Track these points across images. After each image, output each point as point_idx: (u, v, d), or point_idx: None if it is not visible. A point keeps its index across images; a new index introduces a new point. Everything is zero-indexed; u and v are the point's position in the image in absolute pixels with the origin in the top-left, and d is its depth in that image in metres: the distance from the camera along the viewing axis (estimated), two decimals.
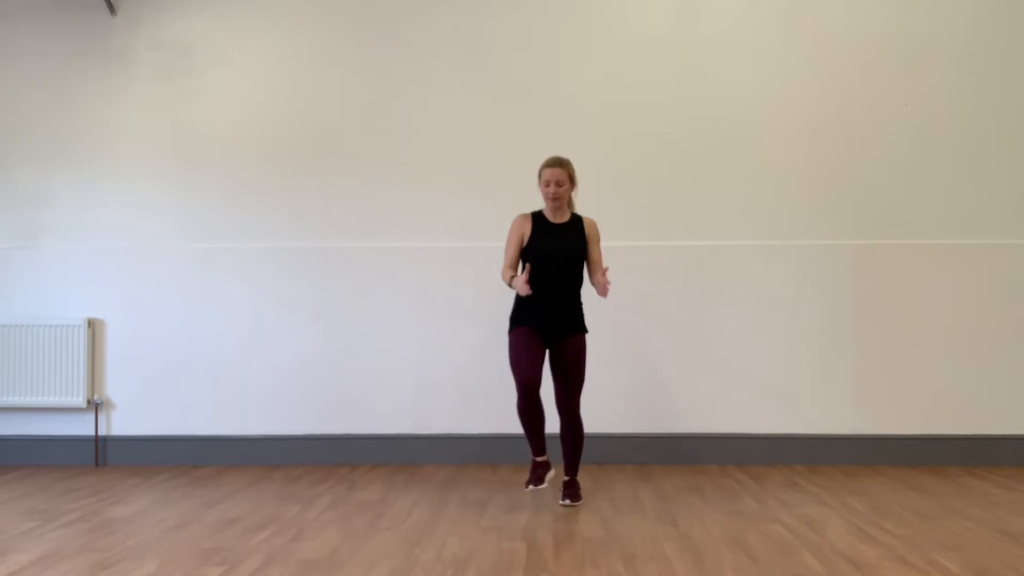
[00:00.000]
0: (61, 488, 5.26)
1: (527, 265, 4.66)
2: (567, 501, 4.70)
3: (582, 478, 4.98)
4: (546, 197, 4.75)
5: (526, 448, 4.81)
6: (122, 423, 6.01)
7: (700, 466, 5.77)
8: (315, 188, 6.04)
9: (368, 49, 6.07)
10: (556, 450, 4.80)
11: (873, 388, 5.86)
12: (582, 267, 4.80)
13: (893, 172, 5.94)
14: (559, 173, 4.70)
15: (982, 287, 5.88)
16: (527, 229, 4.76)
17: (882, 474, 5.53)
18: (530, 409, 4.63)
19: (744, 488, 5.14)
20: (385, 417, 5.95)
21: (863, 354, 5.88)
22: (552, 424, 4.76)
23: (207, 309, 6.01)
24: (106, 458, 6.01)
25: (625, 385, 5.87)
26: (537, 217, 4.80)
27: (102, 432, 6.02)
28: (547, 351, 4.74)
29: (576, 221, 4.82)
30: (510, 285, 4.67)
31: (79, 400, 5.96)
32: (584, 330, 4.77)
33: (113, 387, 6.03)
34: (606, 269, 4.69)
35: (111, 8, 6.08)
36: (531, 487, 4.70)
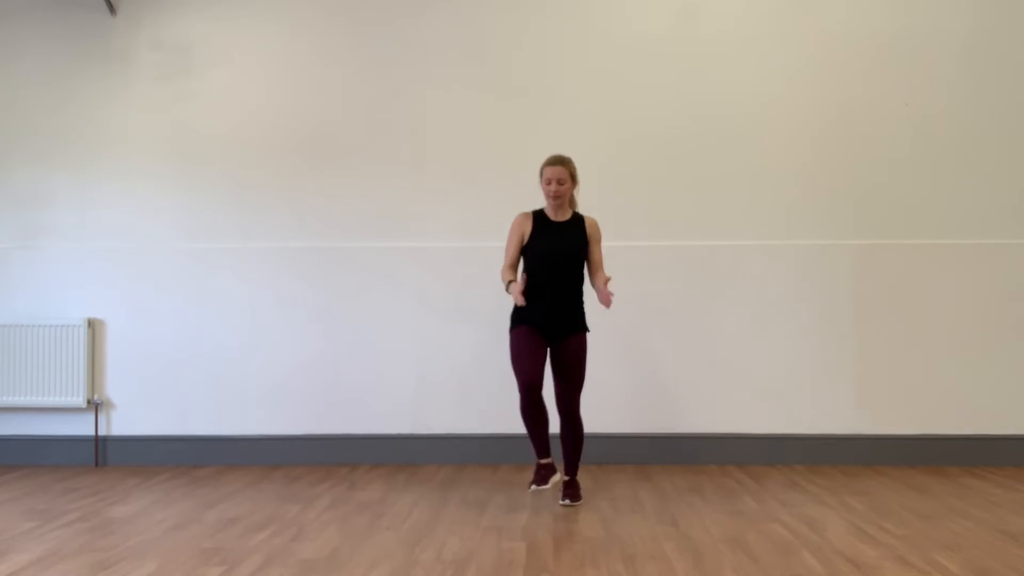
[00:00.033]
0: (61, 488, 5.26)
1: (523, 275, 4.67)
2: (567, 501, 4.70)
3: (582, 478, 4.98)
4: (547, 195, 4.75)
5: (530, 449, 4.80)
6: (122, 423, 6.02)
7: (700, 466, 5.77)
8: (315, 188, 6.04)
9: (368, 49, 6.07)
10: (556, 450, 4.80)
11: (873, 388, 5.87)
12: (583, 266, 4.80)
13: (893, 172, 5.94)
14: (560, 171, 4.70)
15: (982, 287, 5.88)
16: (527, 228, 4.76)
17: (882, 474, 5.53)
18: (532, 409, 4.64)
19: (744, 488, 5.14)
20: (385, 417, 5.95)
21: (863, 354, 5.88)
22: (552, 423, 4.76)
23: (207, 309, 6.01)
24: (106, 458, 6.01)
25: (625, 385, 5.87)
26: (538, 215, 4.80)
27: (102, 432, 6.02)
28: (548, 349, 4.74)
29: (577, 220, 4.82)
30: (507, 290, 4.68)
31: (79, 400, 5.96)
32: (585, 329, 4.77)
33: (113, 387, 6.03)
34: (608, 279, 4.69)
35: (111, 8, 6.08)
36: (533, 487, 4.69)
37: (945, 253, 5.90)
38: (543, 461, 4.72)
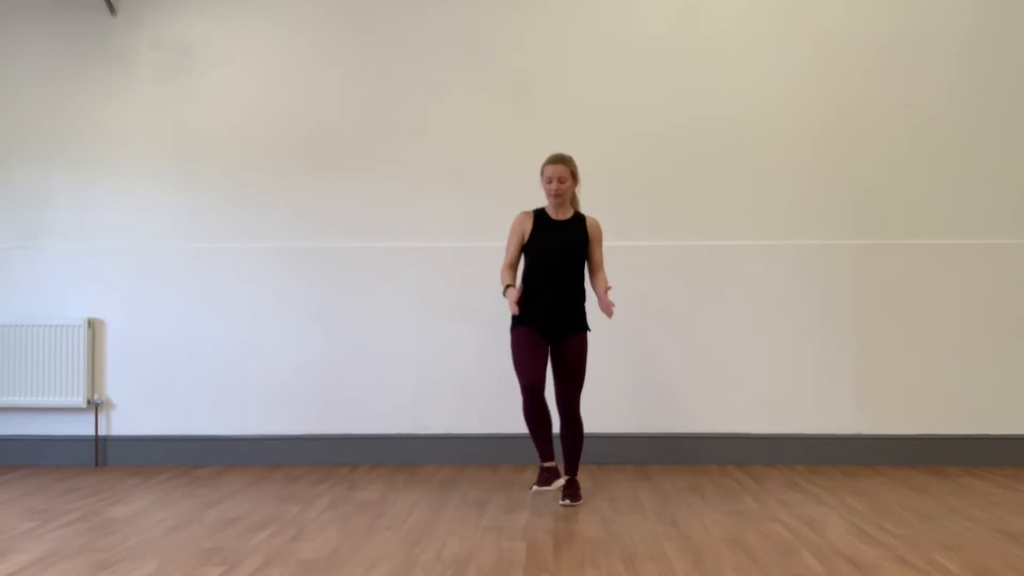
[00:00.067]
0: (61, 488, 5.26)
1: (520, 285, 4.68)
2: (567, 501, 4.70)
3: (582, 478, 4.98)
4: (548, 194, 4.75)
5: (532, 450, 4.78)
6: (122, 423, 6.02)
7: (700, 466, 5.77)
8: (315, 188, 6.04)
9: (368, 49, 6.07)
10: (556, 449, 4.79)
11: (873, 388, 5.86)
12: (583, 265, 4.80)
13: (893, 172, 5.94)
14: (561, 169, 4.70)
15: (982, 287, 5.88)
16: (528, 227, 4.76)
17: (882, 474, 5.53)
18: (535, 412, 4.63)
19: (744, 488, 5.14)
20: (385, 417, 5.95)
21: (863, 354, 5.88)
22: (552, 423, 4.76)
23: (207, 309, 6.01)
24: (106, 458, 6.01)
25: (625, 385, 5.87)
26: (539, 214, 4.80)
27: (102, 432, 6.02)
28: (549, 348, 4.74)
29: (579, 219, 4.82)
30: (504, 293, 4.69)
31: (79, 400, 5.96)
32: (586, 328, 4.77)
33: (113, 387, 6.03)
34: (609, 288, 4.70)
35: (111, 8, 6.08)
36: (536, 488, 4.65)
37: (945, 253, 5.90)
38: (547, 464, 4.68)
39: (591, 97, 6.01)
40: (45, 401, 5.97)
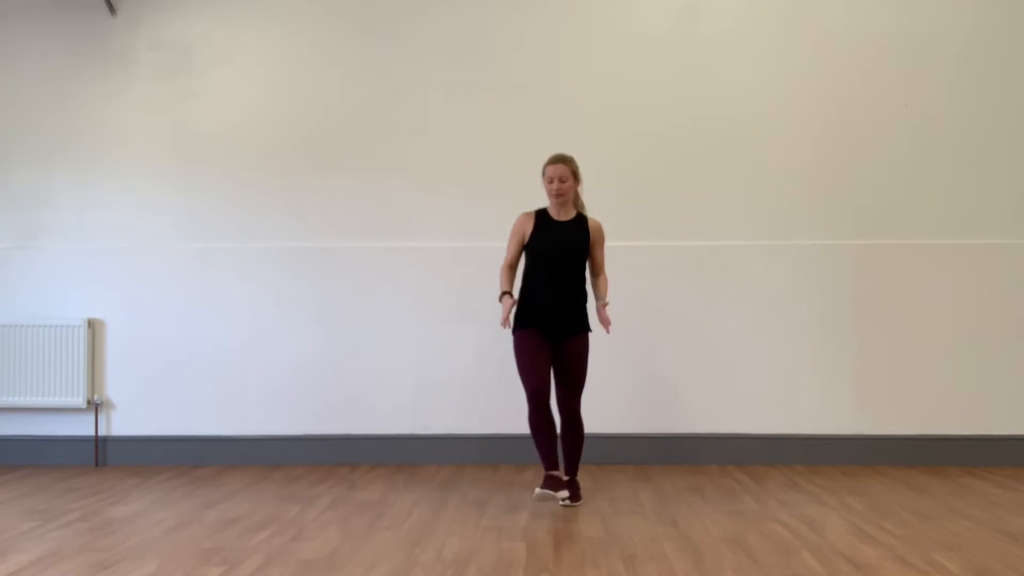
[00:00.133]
0: (61, 488, 5.26)
1: (513, 299, 4.69)
2: (567, 501, 4.69)
3: (582, 478, 4.97)
4: (549, 194, 4.75)
5: (533, 452, 4.76)
6: (122, 423, 6.02)
7: (700, 466, 5.77)
8: (315, 188, 6.04)
9: (368, 49, 6.07)
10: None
11: (873, 388, 5.86)
12: (584, 266, 4.80)
13: (893, 172, 5.94)
14: (562, 169, 4.70)
15: (982, 287, 5.88)
16: (528, 228, 4.76)
17: (882, 474, 5.53)
18: (541, 421, 4.62)
19: (744, 488, 5.14)
20: (385, 417, 5.95)
21: (863, 354, 5.88)
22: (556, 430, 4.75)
23: (207, 309, 6.01)
24: (106, 458, 6.01)
25: (625, 385, 5.87)
26: (540, 215, 4.80)
27: (102, 432, 6.02)
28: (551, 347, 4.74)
29: (581, 220, 4.81)
30: (499, 299, 4.71)
31: (79, 400, 5.96)
32: (587, 329, 4.77)
33: (113, 387, 6.03)
34: (606, 304, 4.75)
35: (111, 8, 6.08)
36: (539, 491, 4.60)
37: (945, 253, 5.90)
38: (551, 473, 4.65)
39: (591, 97, 6.01)
40: (45, 401, 5.97)
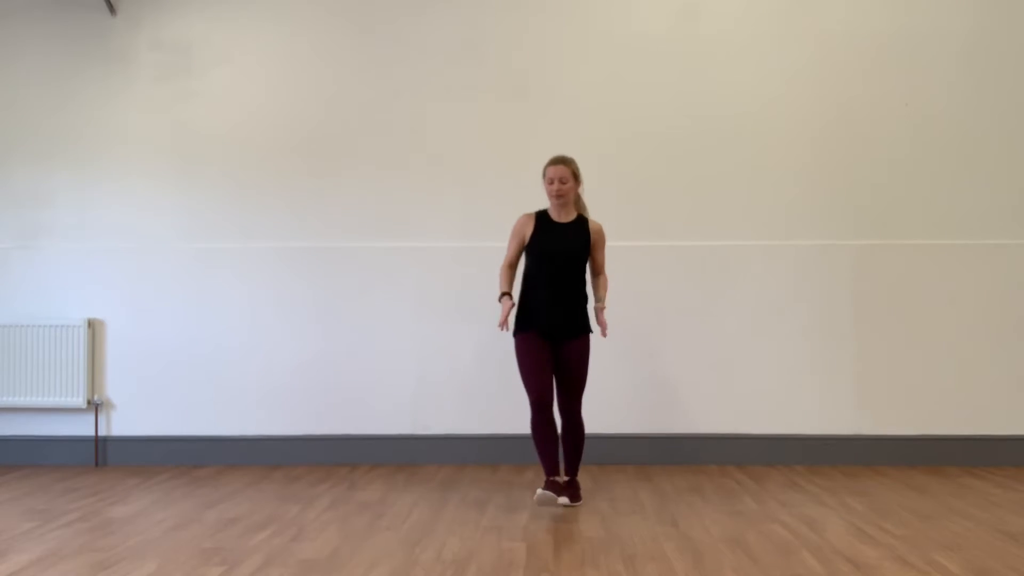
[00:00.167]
0: (61, 488, 5.26)
1: (512, 301, 4.68)
2: (567, 501, 4.69)
3: (582, 478, 4.98)
4: (550, 195, 4.75)
5: (533, 452, 4.75)
6: (122, 423, 6.02)
7: (700, 466, 5.77)
8: (315, 188, 6.04)
9: (368, 49, 6.07)
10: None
11: (873, 388, 5.86)
12: (584, 267, 4.80)
13: (893, 172, 5.94)
14: (562, 171, 4.70)
15: (982, 287, 5.88)
16: (528, 230, 4.75)
17: (882, 474, 5.53)
18: (544, 427, 4.61)
19: (744, 488, 5.14)
20: (385, 417, 5.95)
21: (863, 354, 5.88)
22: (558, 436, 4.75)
23: (207, 309, 6.01)
24: (106, 458, 6.01)
25: (625, 386, 5.87)
26: (541, 216, 4.80)
27: (102, 432, 6.02)
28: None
29: (582, 222, 4.80)
30: (499, 299, 4.71)
31: (79, 400, 5.96)
32: (588, 330, 4.77)
33: (113, 387, 6.03)
34: (603, 308, 4.76)
35: (111, 8, 6.08)
36: (540, 491, 4.59)
37: (945, 253, 5.90)
38: (552, 479, 4.64)
39: (591, 97, 6.01)
40: (45, 401, 5.97)
